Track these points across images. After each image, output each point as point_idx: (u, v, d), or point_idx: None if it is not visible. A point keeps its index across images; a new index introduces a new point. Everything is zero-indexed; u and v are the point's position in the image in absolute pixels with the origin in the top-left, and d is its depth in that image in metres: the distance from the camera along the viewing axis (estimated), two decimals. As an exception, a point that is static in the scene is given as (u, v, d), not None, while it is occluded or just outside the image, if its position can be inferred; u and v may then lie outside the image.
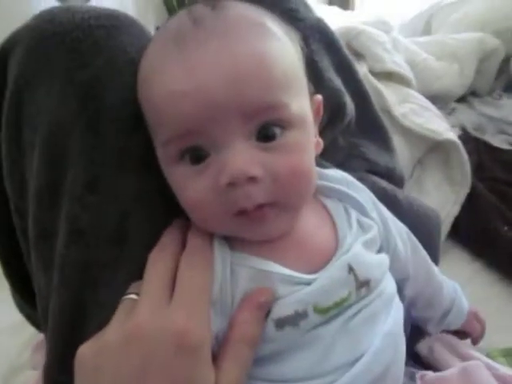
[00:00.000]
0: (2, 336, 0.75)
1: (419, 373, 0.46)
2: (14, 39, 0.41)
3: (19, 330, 0.75)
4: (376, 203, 0.45)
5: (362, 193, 0.44)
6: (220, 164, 0.34)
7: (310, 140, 0.39)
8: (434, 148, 0.94)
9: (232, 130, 0.33)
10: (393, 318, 0.39)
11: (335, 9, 1.83)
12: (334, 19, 1.32)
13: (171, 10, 2.40)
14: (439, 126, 0.91)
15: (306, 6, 0.53)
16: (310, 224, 0.40)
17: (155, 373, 0.32)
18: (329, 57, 0.51)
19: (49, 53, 0.39)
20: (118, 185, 0.39)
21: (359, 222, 0.41)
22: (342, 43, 0.54)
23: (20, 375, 0.69)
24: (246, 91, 0.33)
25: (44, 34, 0.39)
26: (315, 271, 0.37)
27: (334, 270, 0.37)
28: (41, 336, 0.69)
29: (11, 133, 0.41)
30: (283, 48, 0.37)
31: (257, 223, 0.35)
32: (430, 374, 0.46)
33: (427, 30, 1.36)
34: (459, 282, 0.80)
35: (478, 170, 1.00)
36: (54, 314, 0.39)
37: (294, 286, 0.36)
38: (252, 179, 0.33)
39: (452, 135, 0.90)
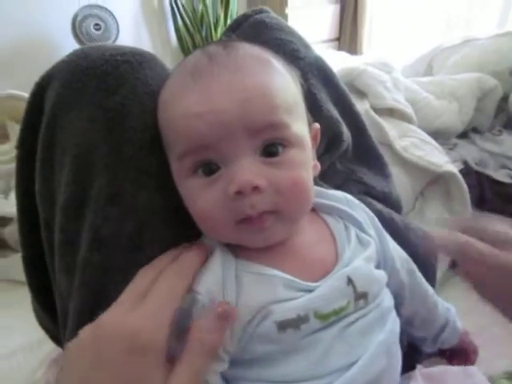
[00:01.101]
0: (19, 354, 0.78)
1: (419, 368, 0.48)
2: (51, 72, 0.48)
3: (35, 349, 0.77)
4: (374, 221, 0.49)
5: (360, 211, 0.48)
6: (229, 176, 0.39)
7: (308, 159, 0.44)
8: (435, 180, 0.98)
9: (239, 146, 0.39)
10: (388, 329, 0.42)
11: (343, 54, 1.92)
12: (343, 64, 1.40)
13: (187, 53, 2.51)
14: (439, 158, 0.95)
15: (307, 47, 0.60)
16: (311, 238, 0.44)
17: (106, 369, 0.34)
18: (326, 90, 0.57)
19: (82, 84, 0.45)
20: (136, 199, 0.44)
21: (358, 238, 0.45)
22: (339, 78, 0.60)
23: (34, 391, 0.71)
24: (251, 112, 0.39)
25: (78, 68, 0.46)
26: (315, 280, 0.41)
27: (334, 281, 0.41)
28: (56, 353, 0.71)
29: (45, 154, 0.47)
30: (285, 81, 0.43)
31: (257, 230, 0.39)
32: (430, 368, 0.47)
33: (428, 72, 1.42)
34: (462, 309, 0.81)
35: (479, 202, 1.03)
36: (75, 312, 0.43)
37: (296, 292, 0.40)
38: (256, 189, 0.38)
39: (452, 167, 0.94)
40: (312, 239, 0.44)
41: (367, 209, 0.50)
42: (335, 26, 2.93)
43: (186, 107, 0.40)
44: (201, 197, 0.40)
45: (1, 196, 0.90)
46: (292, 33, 0.59)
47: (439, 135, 1.12)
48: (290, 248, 0.43)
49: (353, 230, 0.46)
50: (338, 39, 2.99)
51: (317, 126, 0.48)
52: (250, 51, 0.44)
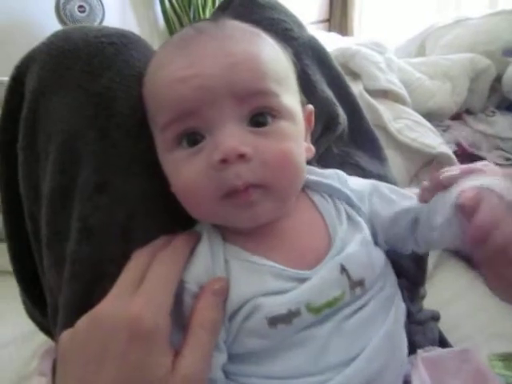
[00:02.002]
0: (11, 346, 0.77)
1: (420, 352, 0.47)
2: (30, 56, 0.45)
3: (27, 341, 0.76)
4: (366, 188, 0.45)
5: (351, 184, 0.45)
6: (213, 144, 0.36)
7: (299, 134, 0.41)
8: (430, 162, 0.97)
9: (225, 112, 0.37)
10: (391, 319, 0.40)
11: (334, 35, 1.89)
12: (334, 45, 1.38)
13: (175, 37, 2.48)
14: (433, 140, 0.94)
15: (300, 26, 0.57)
16: (301, 221, 0.42)
17: (111, 358, 0.33)
18: (321, 71, 0.55)
19: (64, 67, 0.43)
20: (125, 186, 0.42)
21: (349, 217, 0.43)
22: (333, 59, 0.58)
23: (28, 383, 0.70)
24: (238, 77, 0.37)
25: (59, 51, 0.43)
26: (307, 268, 0.39)
27: (326, 270, 0.38)
28: (48, 344, 0.70)
29: (27, 141, 0.44)
30: (276, 52, 0.42)
31: (244, 204, 0.37)
32: (430, 353, 0.47)
33: (421, 52, 1.41)
34: (456, 292, 0.82)
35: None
36: (66, 306, 0.42)
37: (286, 282, 0.38)
38: (242, 157, 0.35)
39: (446, 149, 0.93)
40: (302, 223, 0.42)
41: (361, 180, 0.47)
42: (325, 7, 2.89)
43: (169, 73, 0.38)
44: (183, 169, 0.38)
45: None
46: (285, 12, 0.57)
47: (432, 116, 1.11)
48: (278, 233, 0.41)
49: (343, 209, 0.43)
50: (329, 20, 2.95)
51: (311, 107, 0.46)
52: (240, 24, 0.42)
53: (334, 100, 0.54)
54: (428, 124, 1.00)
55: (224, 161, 0.35)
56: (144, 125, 0.43)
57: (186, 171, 0.38)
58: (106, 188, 0.42)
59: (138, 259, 0.40)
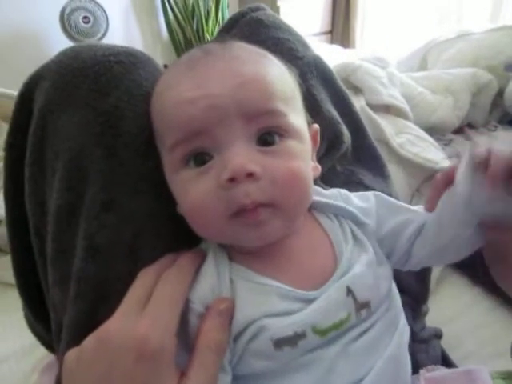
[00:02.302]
0: (10, 360, 0.76)
1: (422, 373, 0.46)
2: (39, 73, 0.46)
3: (27, 355, 0.76)
4: (372, 203, 0.45)
5: (356, 201, 0.45)
6: (222, 163, 0.37)
7: (307, 153, 0.42)
8: (431, 177, 0.97)
9: (233, 132, 0.37)
10: (396, 341, 0.40)
11: (336, 47, 1.90)
12: (336, 57, 1.39)
13: (178, 50, 2.50)
14: (435, 155, 0.94)
15: (305, 46, 0.58)
16: (307, 241, 0.42)
17: (118, 377, 0.33)
18: (326, 90, 0.56)
19: (72, 85, 0.43)
20: (132, 205, 0.43)
21: (354, 237, 0.43)
22: (338, 78, 0.59)
23: (27, 398, 0.70)
24: (246, 97, 0.37)
25: (68, 69, 0.44)
26: (314, 289, 0.39)
27: (332, 292, 0.38)
28: (48, 359, 0.70)
29: (35, 158, 0.45)
30: (282, 72, 0.42)
31: (252, 224, 0.37)
32: (433, 373, 0.46)
33: (423, 67, 1.42)
34: (459, 308, 0.82)
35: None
36: (70, 325, 0.42)
37: (293, 303, 0.38)
38: (251, 176, 0.36)
39: (448, 164, 0.93)
40: (308, 243, 0.42)
41: (364, 194, 0.47)
42: (327, 18, 2.91)
43: (178, 94, 0.38)
44: (192, 189, 0.38)
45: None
46: (290, 31, 0.58)
47: (435, 130, 1.12)
48: (285, 253, 0.41)
49: (348, 228, 0.43)
50: (331, 32, 2.97)
51: (316, 126, 0.46)
52: (245, 46, 0.43)
53: (339, 119, 0.54)
54: (430, 139, 1.00)
55: (233, 179, 0.35)
56: (151, 144, 0.43)
57: (193, 191, 0.38)
58: (113, 206, 0.42)
59: (143, 278, 0.40)
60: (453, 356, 0.66)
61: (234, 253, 0.42)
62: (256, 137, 0.38)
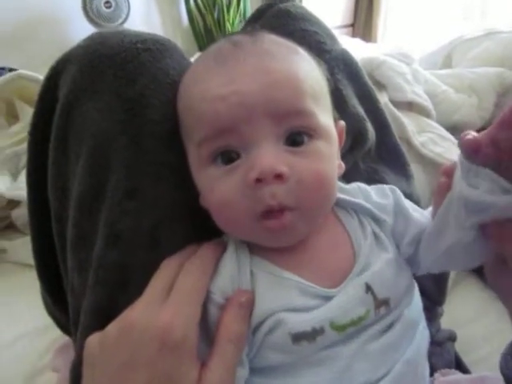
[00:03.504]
0: (24, 339, 0.77)
1: (437, 376, 0.46)
2: (66, 58, 0.46)
3: (42, 334, 0.77)
4: (389, 199, 0.44)
5: (374, 195, 0.44)
6: (249, 163, 0.36)
7: (334, 154, 0.41)
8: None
9: (262, 131, 0.37)
10: (415, 346, 0.39)
11: (358, 41, 1.88)
12: (357, 51, 1.36)
13: (198, 37, 2.49)
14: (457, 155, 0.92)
15: (333, 39, 0.57)
16: (327, 238, 0.42)
17: (140, 366, 0.34)
18: (352, 86, 0.55)
19: (99, 71, 0.43)
20: (154, 194, 0.43)
21: (375, 234, 0.42)
22: (365, 73, 0.58)
23: (41, 377, 0.71)
24: (277, 96, 0.36)
25: (96, 54, 0.43)
26: (333, 286, 0.39)
27: (351, 288, 0.38)
28: (63, 340, 0.71)
29: (59, 143, 0.45)
30: (312, 69, 0.41)
31: (277, 227, 0.37)
32: (448, 377, 0.46)
33: (447, 64, 1.39)
34: (474, 311, 0.81)
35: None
36: (89, 311, 0.42)
37: (311, 299, 0.38)
38: (279, 177, 0.35)
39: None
40: (328, 239, 0.42)
41: (384, 190, 0.45)
42: (349, 11, 2.87)
43: (207, 90, 0.38)
44: (218, 186, 0.38)
45: (9, 178, 0.88)
46: (318, 23, 0.57)
47: (457, 130, 1.09)
48: (305, 249, 0.41)
49: (367, 225, 0.43)
50: (352, 25, 2.93)
51: (342, 123, 0.46)
52: (276, 39, 0.42)
53: (364, 115, 0.54)
54: (452, 138, 0.98)
55: (260, 180, 0.35)
56: (175, 133, 0.43)
57: (220, 189, 0.38)
58: (136, 194, 0.42)
59: (166, 268, 0.40)
60: (465, 360, 0.65)
61: (255, 246, 0.41)
62: (284, 136, 0.38)
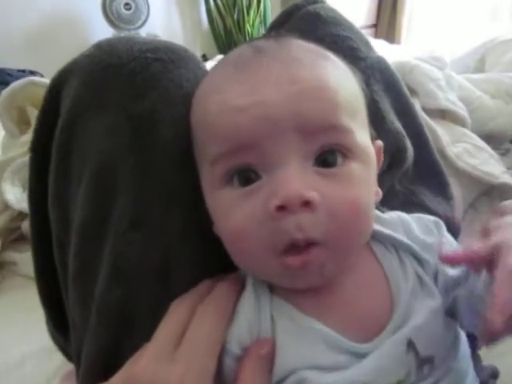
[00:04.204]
0: (33, 359, 0.73)
1: None
2: (70, 68, 0.41)
3: (50, 355, 0.73)
4: (431, 233, 0.39)
5: (414, 229, 0.38)
6: (272, 185, 0.31)
7: (371, 179, 0.35)
8: (488, 192, 0.89)
9: (289, 149, 0.31)
10: None
11: (382, 42, 1.80)
12: (382, 53, 1.30)
13: (217, 37, 2.46)
14: (495, 168, 0.86)
15: (368, 45, 0.51)
16: (360, 279, 0.36)
17: None
18: (389, 98, 0.49)
19: (104, 84, 0.38)
20: (164, 222, 0.38)
21: (419, 277, 0.36)
22: (403, 83, 0.52)
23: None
24: (307, 108, 0.31)
25: (101, 65, 0.39)
26: (366, 339, 0.33)
27: (389, 346, 0.32)
28: (70, 366, 0.67)
29: (60, 162, 0.41)
30: (346, 77, 0.36)
31: (300, 271, 0.31)
32: None
33: (480, 68, 1.31)
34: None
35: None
36: (89, 356, 0.38)
37: (340, 355, 0.32)
38: (307, 205, 0.30)
39: (509, 178, 0.85)
40: (360, 280, 0.36)
41: (430, 226, 0.39)
42: (373, 11, 2.80)
43: (225, 101, 0.33)
44: (234, 212, 0.32)
45: (20, 189, 0.85)
46: (351, 28, 0.51)
47: (491, 139, 1.03)
48: (335, 291, 0.35)
49: (409, 264, 0.36)
50: (375, 26, 2.86)
51: (380, 143, 0.40)
52: (304, 44, 0.37)
53: (403, 132, 0.47)
54: (489, 149, 0.91)
55: (284, 208, 0.29)
56: (189, 153, 0.38)
57: (236, 215, 0.32)
58: (143, 223, 0.37)
59: (176, 312, 0.35)
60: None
61: (276, 284, 0.36)
62: (314, 156, 0.32)
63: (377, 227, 0.38)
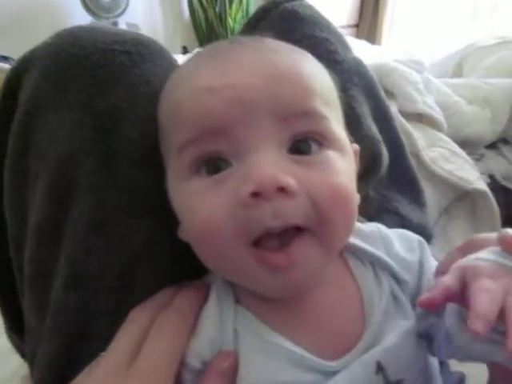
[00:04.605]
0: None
1: None
2: (30, 56, 0.38)
3: (9, 356, 0.70)
4: (414, 252, 0.37)
5: (394, 244, 0.37)
6: (244, 171, 0.28)
7: (351, 169, 0.33)
8: (462, 197, 0.89)
9: (262, 134, 0.29)
10: None
11: (363, 43, 1.80)
12: (363, 53, 1.29)
13: (199, 29, 2.42)
14: (470, 174, 0.86)
15: (345, 45, 0.50)
16: (331, 293, 0.34)
17: None
18: (367, 102, 0.48)
19: (66, 76, 0.36)
20: (126, 227, 0.36)
21: (394, 296, 0.34)
22: (380, 87, 0.50)
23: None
24: (282, 92, 0.29)
25: (63, 55, 0.36)
26: (334, 356, 0.31)
27: (358, 368, 0.30)
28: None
29: (16, 159, 0.38)
30: (322, 71, 0.35)
31: (280, 268, 0.28)
32: None
33: (458, 72, 1.32)
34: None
35: (505, 222, 0.95)
36: (44, 362, 0.36)
37: (307, 374, 0.30)
38: (283, 190, 0.27)
39: (483, 185, 0.85)
40: (333, 295, 0.34)
41: (412, 244, 0.37)
42: (355, 11, 2.80)
43: (196, 84, 0.31)
44: (200, 203, 0.30)
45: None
46: (328, 27, 0.49)
47: (467, 144, 1.03)
48: (304, 305, 0.33)
49: (386, 282, 0.34)
50: (357, 26, 2.86)
51: (356, 147, 0.38)
52: (281, 42, 0.35)
53: (379, 137, 0.46)
54: (464, 154, 0.92)
55: (258, 194, 0.27)
56: (155, 155, 0.36)
57: (203, 206, 0.29)
58: (103, 229, 0.35)
59: (134, 322, 0.33)
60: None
61: (242, 293, 0.34)
62: (289, 143, 0.30)
63: (355, 241, 0.36)
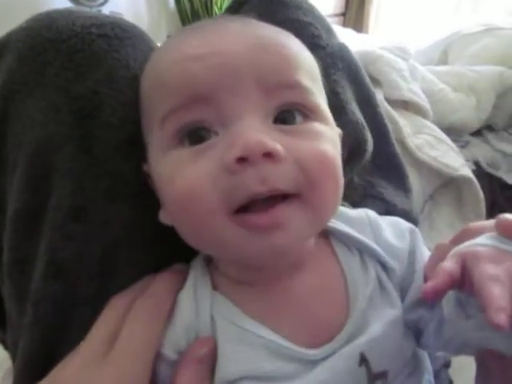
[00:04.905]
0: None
1: None
2: (5, 40, 0.37)
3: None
4: (404, 239, 0.36)
5: (383, 231, 0.36)
6: (229, 138, 0.28)
7: (335, 139, 0.33)
8: (447, 183, 0.90)
9: (247, 103, 0.29)
10: None
11: (350, 31, 1.80)
12: (349, 42, 1.28)
13: (184, 18, 2.39)
14: (455, 160, 0.87)
15: (329, 31, 0.49)
16: (314, 278, 0.33)
17: None
18: (351, 87, 0.47)
19: (42, 60, 0.35)
20: (107, 213, 0.35)
21: (380, 284, 0.33)
22: (365, 73, 0.50)
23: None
24: (268, 62, 0.29)
25: (39, 40, 0.35)
26: (315, 344, 0.30)
27: (340, 359, 0.30)
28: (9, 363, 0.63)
29: None
30: (306, 50, 0.35)
31: (266, 231, 0.27)
32: None
33: (443, 60, 1.32)
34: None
35: (490, 208, 0.96)
36: (25, 353, 0.35)
37: (287, 363, 0.30)
38: (270, 156, 0.27)
39: (468, 171, 0.86)
40: (316, 279, 0.33)
41: (403, 230, 0.37)
42: (342, 0, 2.79)
43: (180, 52, 0.30)
44: (182, 171, 0.29)
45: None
46: (312, 11, 0.48)
47: (452, 131, 1.04)
48: (285, 290, 0.32)
49: (373, 270, 0.34)
50: (344, 14, 2.85)
51: (339, 131, 0.38)
52: (265, 23, 0.35)
53: (364, 123, 0.46)
54: (449, 141, 0.92)
55: (244, 159, 0.26)
56: (135, 140, 0.35)
57: (184, 175, 0.28)
58: (82, 215, 0.34)
59: (113, 310, 0.33)
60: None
61: (220, 278, 0.33)
62: (274, 114, 0.30)
63: (341, 226, 0.35)
